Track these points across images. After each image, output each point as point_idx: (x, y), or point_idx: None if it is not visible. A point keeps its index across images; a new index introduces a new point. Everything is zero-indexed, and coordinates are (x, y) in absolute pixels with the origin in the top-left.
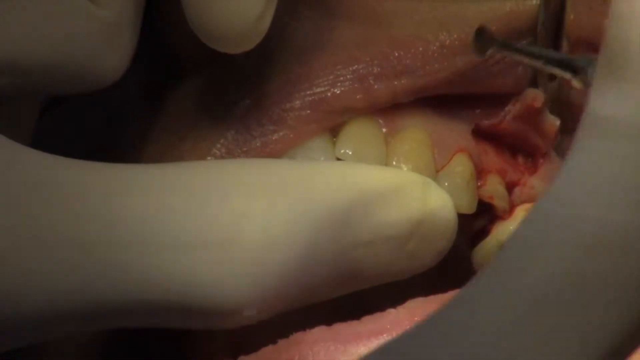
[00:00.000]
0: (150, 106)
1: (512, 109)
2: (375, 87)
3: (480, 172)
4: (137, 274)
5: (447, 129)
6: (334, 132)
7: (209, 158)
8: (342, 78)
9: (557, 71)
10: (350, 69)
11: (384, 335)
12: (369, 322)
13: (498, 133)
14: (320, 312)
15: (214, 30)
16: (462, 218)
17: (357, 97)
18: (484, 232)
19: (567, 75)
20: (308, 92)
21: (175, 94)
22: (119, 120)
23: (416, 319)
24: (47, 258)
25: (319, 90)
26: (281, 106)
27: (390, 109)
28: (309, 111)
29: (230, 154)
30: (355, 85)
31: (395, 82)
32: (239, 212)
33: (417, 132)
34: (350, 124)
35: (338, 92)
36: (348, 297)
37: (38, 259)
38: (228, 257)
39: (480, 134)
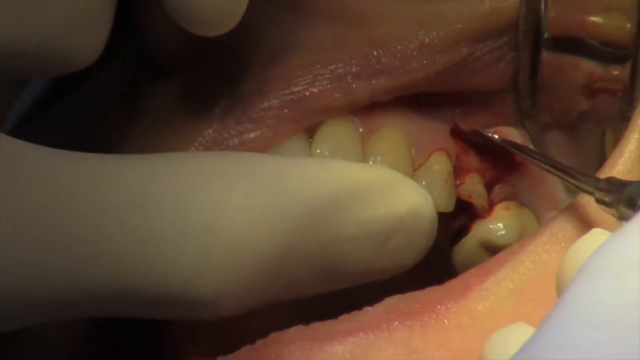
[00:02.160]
0: (132, 105)
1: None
2: (354, 86)
3: (459, 171)
4: (116, 263)
5: (425, 127)
6: (311, 132)
7: None
8: (320, 77)
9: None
10: (329, 68)
11: (360, 333)
12: (345, 321)
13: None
14: (308, 314)
15: (190, 12)
16: (442, 217)
17: (335, 96)
18: (463, 231)
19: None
20: (286, 92)
21: (155, 93)
22: (101, 118)
23: (392, 316)
24: (27, 247)
25: (297, 89)
26: (259, 105)
27: (367, 108)
28: (286, 110)
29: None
30: (334, 84)
31: (374, 81)
32: (218, 202)
33: (394, 131)
34: (326, 124)
35: (316, 91)
36: (337, 298)
37: (19, 248)
38: (207, 248)
39: (458, 135)
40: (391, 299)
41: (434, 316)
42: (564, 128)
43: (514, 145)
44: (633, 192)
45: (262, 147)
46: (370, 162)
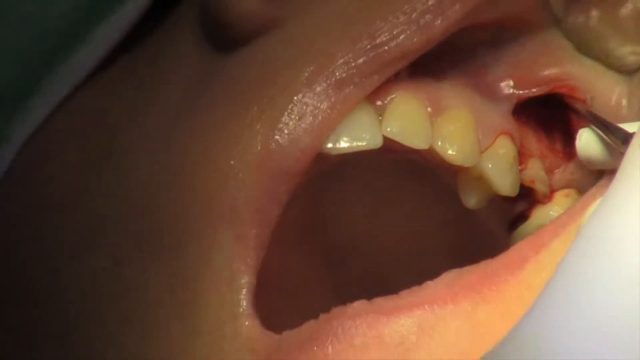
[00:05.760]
0: (205, 76)
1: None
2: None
3: (521, 157)
4: None
5: (489, 110)
6: (380, 109)
7: (280, 126)
8: (399, 24)
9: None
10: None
11: (425, 306)
12: (408, 295)
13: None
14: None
15: None
16: (502, 201)
17: (415, 40)
18: (523, 217)
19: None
20: (369, 47)
21: (229, 64)
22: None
23: (454, 289)
24: None
25: (378, 41)
26: (347, 66)
27: (434, 89)
28: (371, 64)
29: (300, 121)
30: (413, 28)
31: (450, 11)
32: None
33: (462, 113)
34: (395, 102)
35: (399, 39)
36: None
37: None
38: None
39: (521, 116)
40: (449, 273)
41: (495, 289)
42: None
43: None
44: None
45: (350, 107)
46: (439, 144)
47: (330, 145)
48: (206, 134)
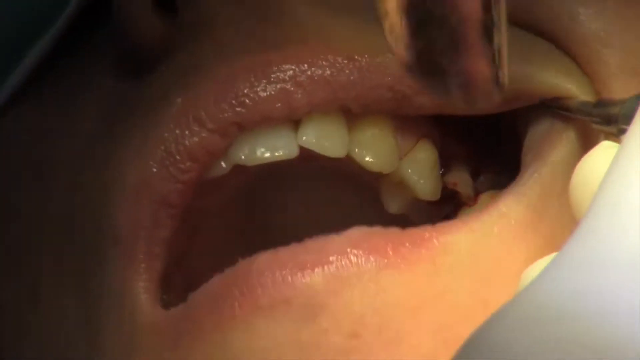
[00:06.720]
0: (116, 102)
1: None
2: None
3: (444, 159)
4: None
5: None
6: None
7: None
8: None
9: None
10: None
11: (328, 266)
12: (312, 251)
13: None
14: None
15: None
16: (427, 205)
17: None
18: (449, 219)
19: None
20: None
21: (134, 90)
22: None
23: (360, 250)
24: None
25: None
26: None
27: None
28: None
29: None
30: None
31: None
32: None
33: (380, 118)
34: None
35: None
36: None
37: None
38: None
39: (443, 117)
40: (357, 229)
41: (400, 257)
42: None
43: None
44: (627, 107)
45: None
46: (356, 151)
47: (243, 157)
48: (107, 161)
